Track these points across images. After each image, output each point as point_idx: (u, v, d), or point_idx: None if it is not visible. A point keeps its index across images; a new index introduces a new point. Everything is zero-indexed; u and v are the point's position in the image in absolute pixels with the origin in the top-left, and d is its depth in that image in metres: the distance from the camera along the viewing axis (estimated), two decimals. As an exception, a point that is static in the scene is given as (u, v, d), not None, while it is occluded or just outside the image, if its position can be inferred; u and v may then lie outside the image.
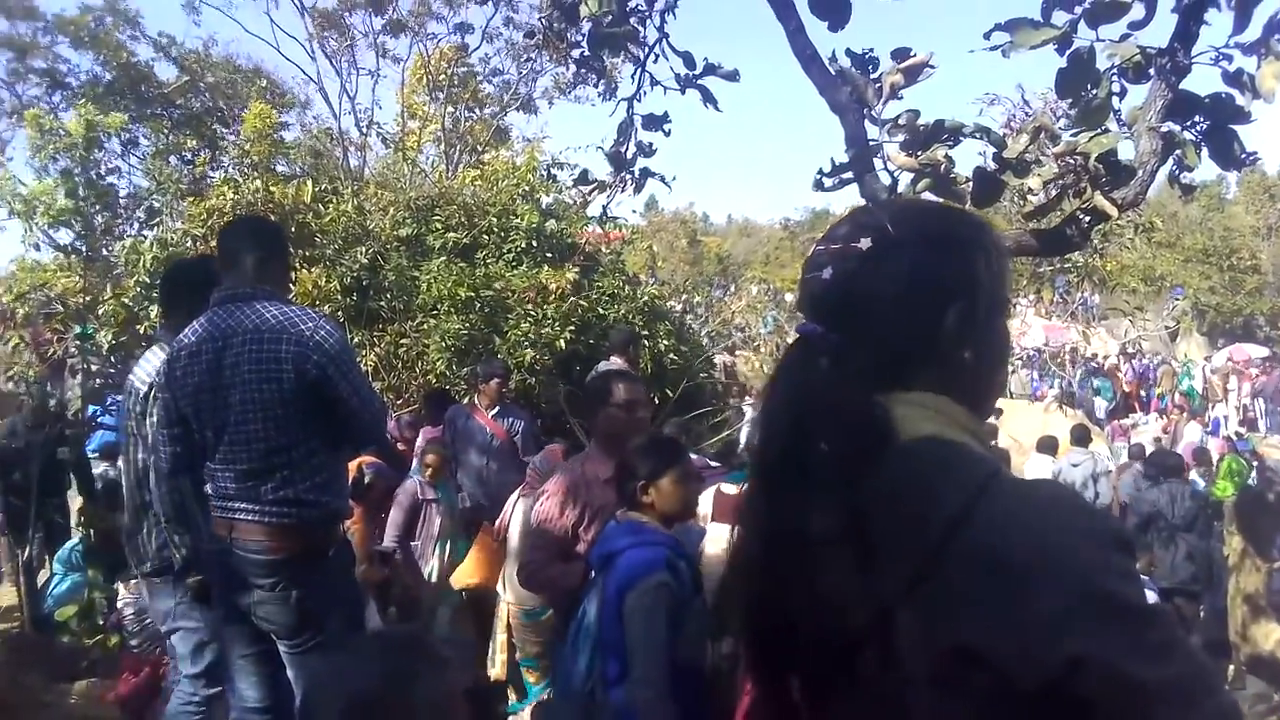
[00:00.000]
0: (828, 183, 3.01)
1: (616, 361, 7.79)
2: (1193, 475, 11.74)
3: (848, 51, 3.08)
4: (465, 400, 8.29)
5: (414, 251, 10.33)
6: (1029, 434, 15.89)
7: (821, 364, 1.15)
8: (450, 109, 17.91)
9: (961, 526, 0.97)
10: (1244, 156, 3.13)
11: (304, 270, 9.80)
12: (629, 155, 3.97)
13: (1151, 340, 27.62)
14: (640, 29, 3.76)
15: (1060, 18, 3.01)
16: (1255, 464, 11.29)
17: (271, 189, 10.55)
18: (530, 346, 9.21)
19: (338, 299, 9.80)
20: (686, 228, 42.10)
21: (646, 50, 3.69)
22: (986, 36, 3.02)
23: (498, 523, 5.27)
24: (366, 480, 5.51)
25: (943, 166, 2.72)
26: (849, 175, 3.00)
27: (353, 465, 5.19)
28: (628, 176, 3.91)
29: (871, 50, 3.07)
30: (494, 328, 9.47)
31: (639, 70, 3.71)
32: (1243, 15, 2.93)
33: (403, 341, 9.67)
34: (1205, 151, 3.15)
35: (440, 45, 17.69)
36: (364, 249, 10.18)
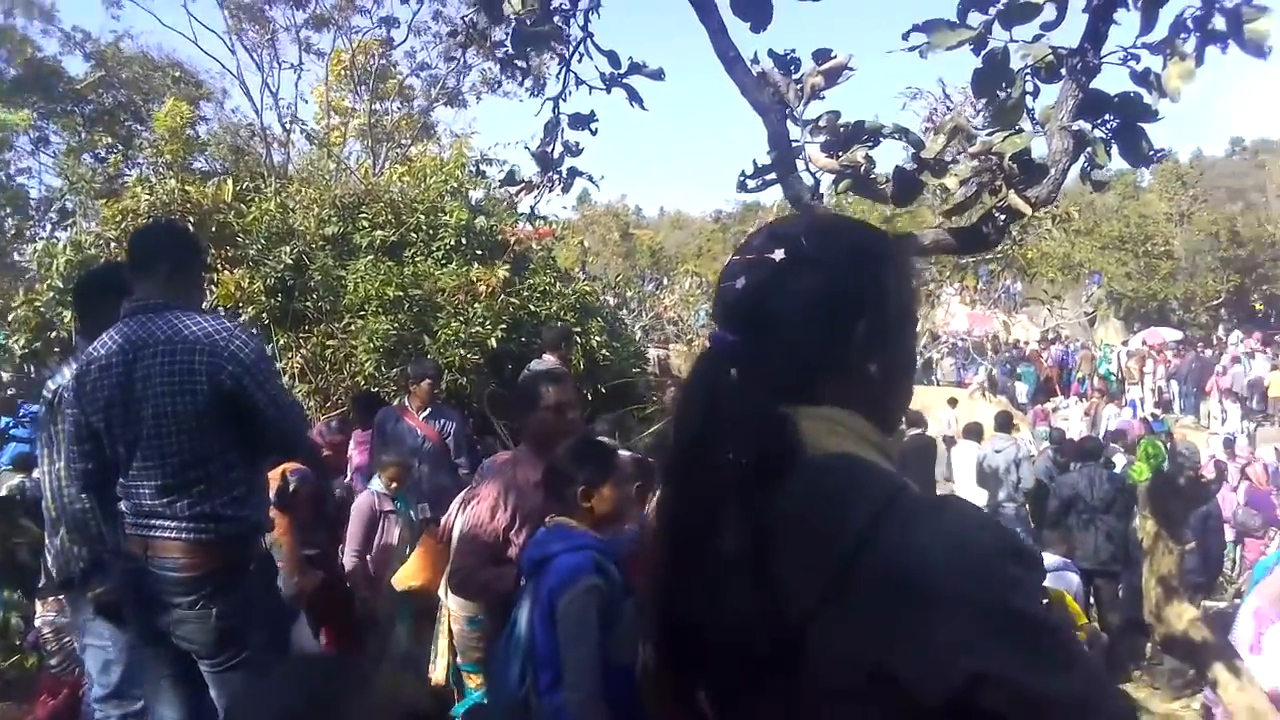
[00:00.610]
0: (751, 184, 3.02)
1: (549, 359, 7.74)
2: (1116, 457, 12.17)
3: (770, 52, 3.10)
4: (395, 402, 8.17)
5: (340, 250, 10.12)
6: (957, 419, 16.30)
7: (731, 374, 1.15)
8: (375, 104, 17.60)
9: (867, 546, 0.98)
10: (1152, 153, 3.22)
11: (226, 271, 9.54)
12: (556, 155, 3.93)
13: (1071, 326, 28.46)
14: (565, 28, 3.72)
15: (976, 19, 3.05)
16: (1168, 447, 11.69)
17: (188, 188, 10.24)
18: (461, 346, 9.09)
19: (262, 300, 9.56)
20: (619, 221, 42.01)
21: (571, 49, 3.65)
22: (905, 37, 3.05)
23: (441, 525, 5.19)
24: (292, 488, 5.37)
25: (863, 167, 2.74)
26: (772, 176, 3.01)
27: (276, 473, 5.06)
28: (555, 176, 3.87)
29: (793, 51, 3.09)
30: (423, 327, 9.33)
31: (564, 69, 3.68)
32: (1149, 17, 3.01)
33: (330, 343, 9.47)
34: (1116, 149, 3.23)
35: (364, 39, 17.36)
36: (288, 248, 9.94)
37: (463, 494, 5.01)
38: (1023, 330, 27.45)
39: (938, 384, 22.28)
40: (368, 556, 5.86)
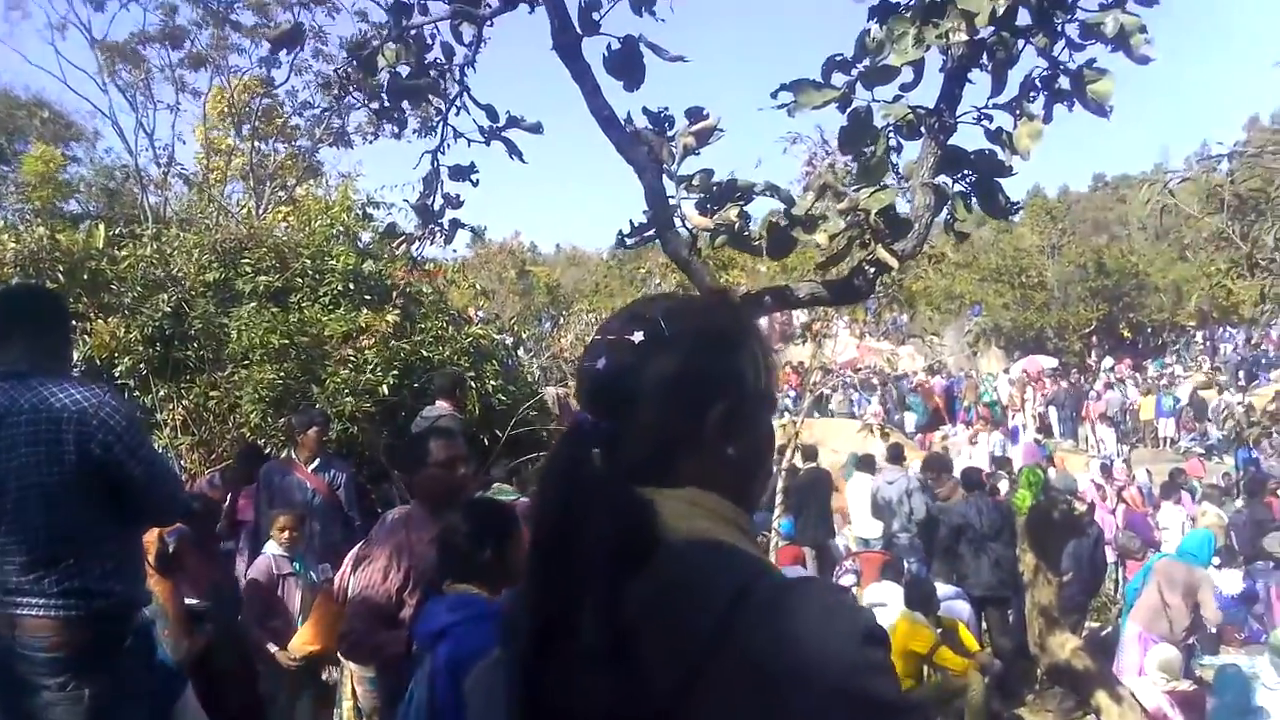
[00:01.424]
0: (630, 241, 3.09)
1: (442, 406, 7.65)
2: (1002, 484, 12.66)
3: (644, 110, 3.19)
4: (283, 453, 7.95)
5: (222, 297, 9.82)
6: (847, 450, 16.71)
7: (593, 455, 1.16)
8: (257, 143, 17.22)
9: (726, 634, 1.00)
10: (1008, 206, 3.43)
11: (100, 321, 9.17)
12: (436, 207, 3.95)
13: (955, 356, 29.57)
14: (441, 81, 3.76)
15: (840, 79, 3.21)
16: (1046, 476, 12.20)
17: (59, 236, 9.83)
18: (351, 394, 8.91)
19: (139, 350, 9.21)
20: (514, 258, 41.85)
21: (448, 103, 3.69)
22: (773, 95, 3.19)
23: (336, 583, 5.05)
24: (171, 548, 5.17)
25: (736, 225, 2.85)
26: (651, 233, 3.10)
27: (152, 537, 4.86)
28: (436, 229, 3.88)
29: (667, 109, 3.19)
30: (311, 376, 9.11)
31: (440, 122, 3.71)
32: (999, 79, 3.22)
33: (213, 393, 9.17)
34: (975, 202, 3.43)
35: (243, 78, 17.01)
36: (167, 295, 9.61)
37: (355, 551, 4.91)
38: (910, 361, 28.38)
39: (832, 416, 22.82)
40: (270, 624, 5.62)
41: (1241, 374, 25.90)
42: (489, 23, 3.34)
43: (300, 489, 6.90)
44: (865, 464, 12.39)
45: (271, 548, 5.79)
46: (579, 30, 3.06)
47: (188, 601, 5.31)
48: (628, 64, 3.12)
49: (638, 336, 1.21)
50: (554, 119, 3.73)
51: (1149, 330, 34.72)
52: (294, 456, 7.19)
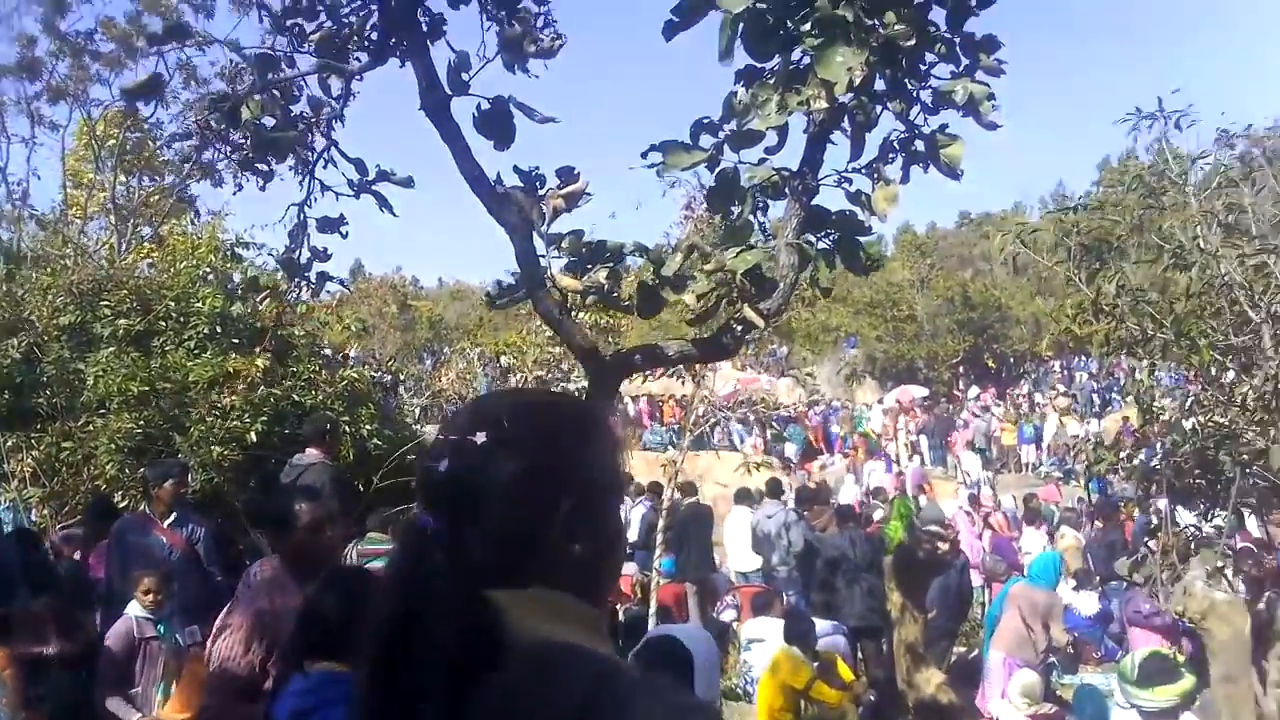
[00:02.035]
0: (500, 302, 3.06)
1: (313, 453, 7.37)
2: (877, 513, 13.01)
3: (515, 169, 3.17)
4: (141, 507, 7.53)
5: (78, 341, 9.31)
6: (733, 482, 16.92)
7: (436, 558, 1.14)
8: (123, 177, 16.46)
9: None
10: (870, 263, 3.55)
11: (-58, 368, 8.57)
12: (303, 260, 3.83)
13: (832, 387, 30.35)
14: (309, 133, 3.66)
15: (708, 140, 3.27)
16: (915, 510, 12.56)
17: (-105, 277, 9.17)
18: (217, 442, 8.53)
19: (-13, 397, 8.64)
20: (396, 293, 41.12)
21: (315, 155, 3.59)
22: (643, 156, 3.23)
23: (207, 648, 4.77)
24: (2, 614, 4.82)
25: (606, 286, 2.85)
26: (521, 293, 3.07)
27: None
28: (303, 282, 3.76)
29: (538, 168, 3.18)
30: (174, 424, 8.69)
31: (308, 176, 3.60)
32: (858, 143, 3.34)
33: (66, 444, 8.64)
34: (838, 260, 3.53)
35: (106, 111, 16.26)
36: (18, 340, 9.06)
37: (222, 616, 4.66)
38: (789, 393, 29.02)
39: (714, 449, 23.07)
40: (132, 692, 5.25)
41: (1095, 400, 27.41)
42: (358, 77, 3.27)
43: (158, 545, 6.53)
44: (743, 497, 12.51)
45: (134, 609, 5.43)
46: (448, 90, 3.02)
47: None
48: (497, 124, 3.10)
49: (480, 437, 1.19)
50: (439, 154, 3.65)
51: (1011, 360, 36.51)
52: (150, 511, 6.81)
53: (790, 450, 23.98)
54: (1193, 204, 6.13)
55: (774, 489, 12.08)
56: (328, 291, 3.75)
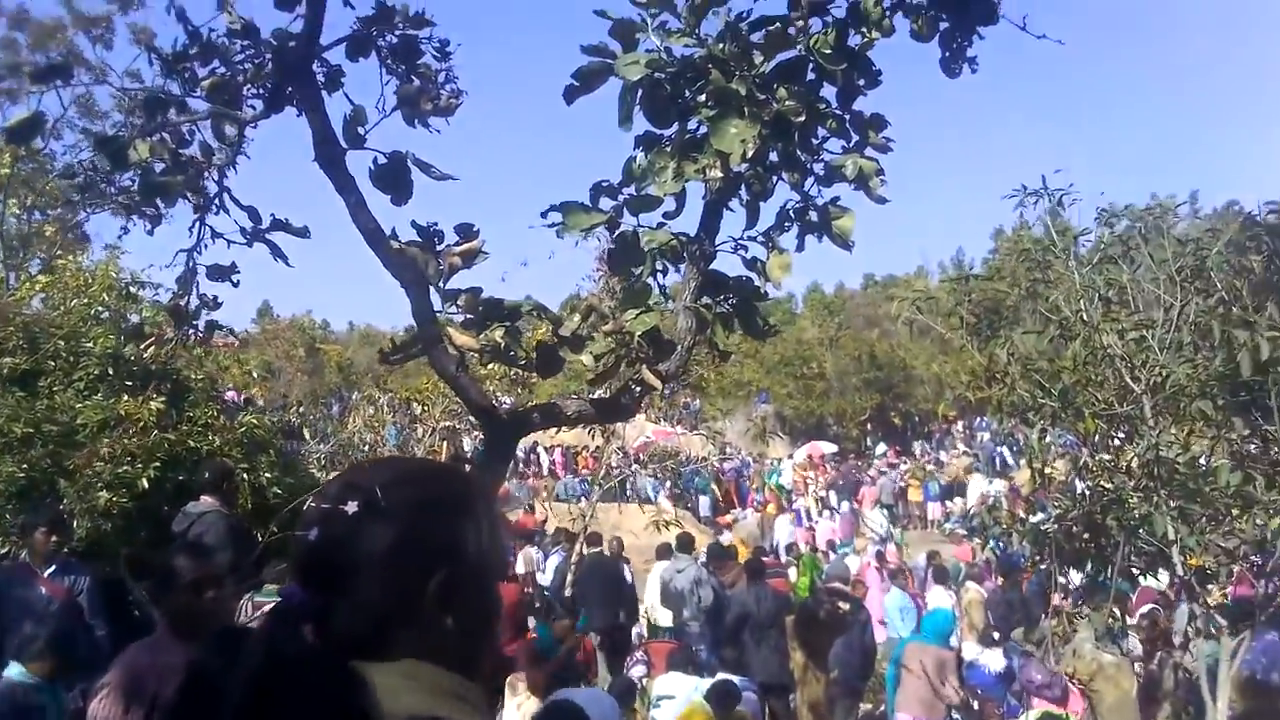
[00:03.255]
0: (393, 359, 3.01)
1: (208, 501, 7.11)
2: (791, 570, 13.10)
3: (413, 224, 3.15)
4: (21, 556, 7.12)
5: (-42, 380, 8.83)
6: (645, 535, 16.89)
7: (303, 631, 1.12)
8: (15, 209, 15.83)
9: None
10: (767, 327, 3.61)
11: None
12: (192, 306, 3.72)
13: (745, 441, 30.60)
14: (201, 179, 3.58)
15: (607, 203, 3.30)
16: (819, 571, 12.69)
17: None
18: (106, 488, 8.14)
19: None
20: (304, 336, 40.27)
21: (205, 203, 3.51)
22: (543, 216, 3.24)
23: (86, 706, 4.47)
24: None
25: (503, 344, 2.83)
26: (417, 349, 3.03)
27: None
28: (190, 331, 3.65)
29: (435, 224, 3.16)
30: (59, 468, 8.28)
31: (198, 223, 3.52)
32: (753, 212, 3.41)
33: (-59, 488, 8.15)
34: (737, 323, 3.59)
35: (-2, 140, 15.63)
36: (-105, 376, 8.55)
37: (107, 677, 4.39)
38: (702, 446, 29.16)
39: (629, 501, 23.01)
40: None
41: (997, 459, 28.19)
42: (251, 124, 3.22)
43: (37, 598, 6.18)
44: (665, 553, 12.52)
45: (14, 672, 5.03)
46: (343, 143, 2.99)
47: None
48: (394, 179, 3.09)
49: (352, 506, 1.18)
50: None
51: (916, 418, 37.43)
52: (28, 561, 6.46)
53: (704, 504, 24.09)
54: (1076, 278, 6.41)
55: (685, 544, 12.11)
56: (230, 332, 3.63)
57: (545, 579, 13.09)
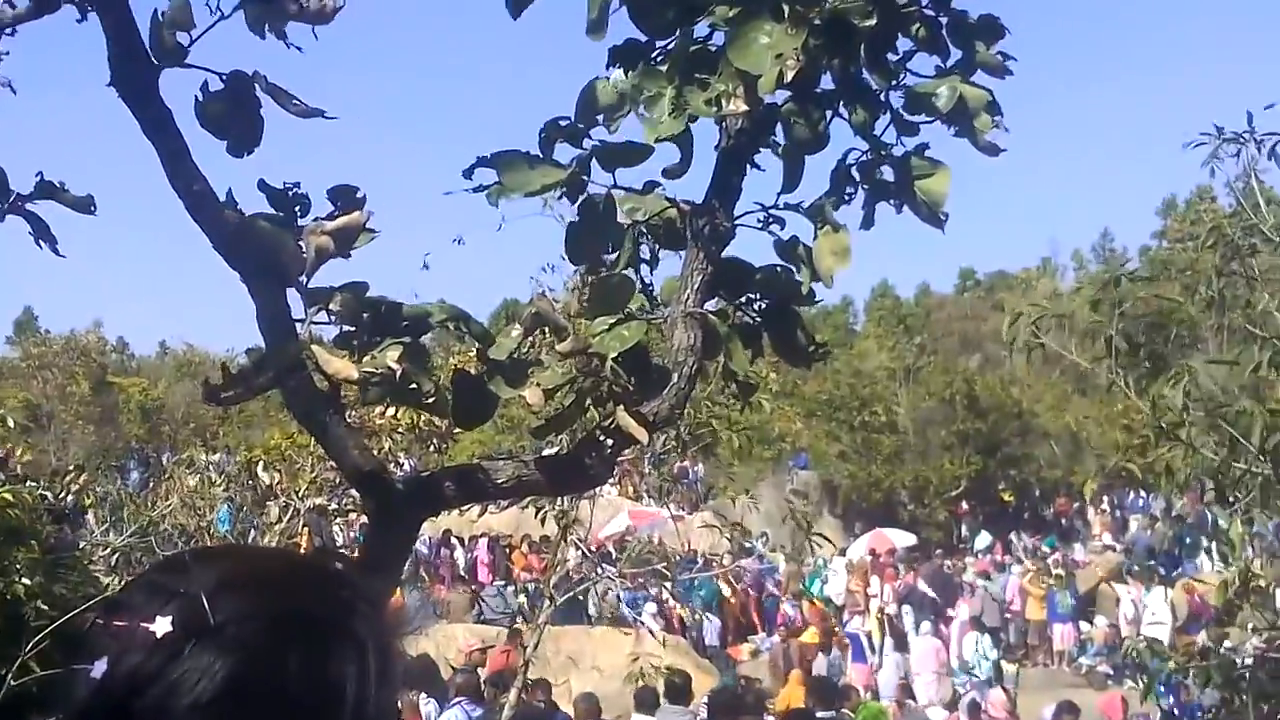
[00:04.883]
0: (225, 396, 2.98)
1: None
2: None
3: (261, 185, 3.12)
4: None
5: None
6: (621, 667, 16.80)
7: None
8: None
9: None
10: (811, 349, 3.59)
11: None
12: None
13: (773, 527, 30.57)
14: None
15: (567, 154, 3.28)
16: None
17: None
18: None
19: None
20: (89, 362, 40.09)
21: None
22: (466, 175, 3.21)
23: None
24: None
25: (399, 372, 2.80)
26: (265, 380, 3.00)
27: None
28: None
29: (298, 185, 3.13)
30: None
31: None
32: (793, 169, 3.39)
33: None
34: (767, 340, 3.56)
35: None
36: None
37: None
38: (707, 535, 29.09)
39: (591, 622, 22.88)
40: None
41: (1160, 559, 28.14)
42: (9, 31, 3.18)
43: None
44: (645, 703, 12.52)
45: None
46: (153, 58, 2.97)
47: None
48: (235, 113, 3.05)
49: (164, 624, 1.18)
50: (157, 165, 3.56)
51: (1038, 494, 37.40)
52: None
53: (710, 628, 23.99)
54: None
55: (677, 691, 12.13)
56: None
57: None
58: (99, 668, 1.18)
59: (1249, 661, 6.46)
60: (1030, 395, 37.81)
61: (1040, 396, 38.18)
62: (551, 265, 11.45)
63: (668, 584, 24.08)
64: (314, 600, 1.28)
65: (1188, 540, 28.86)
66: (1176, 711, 13.04)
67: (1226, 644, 7.27)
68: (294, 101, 3.09)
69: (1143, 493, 32.52)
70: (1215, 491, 6.63)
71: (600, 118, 3.27)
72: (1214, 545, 7.67)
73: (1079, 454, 34.09)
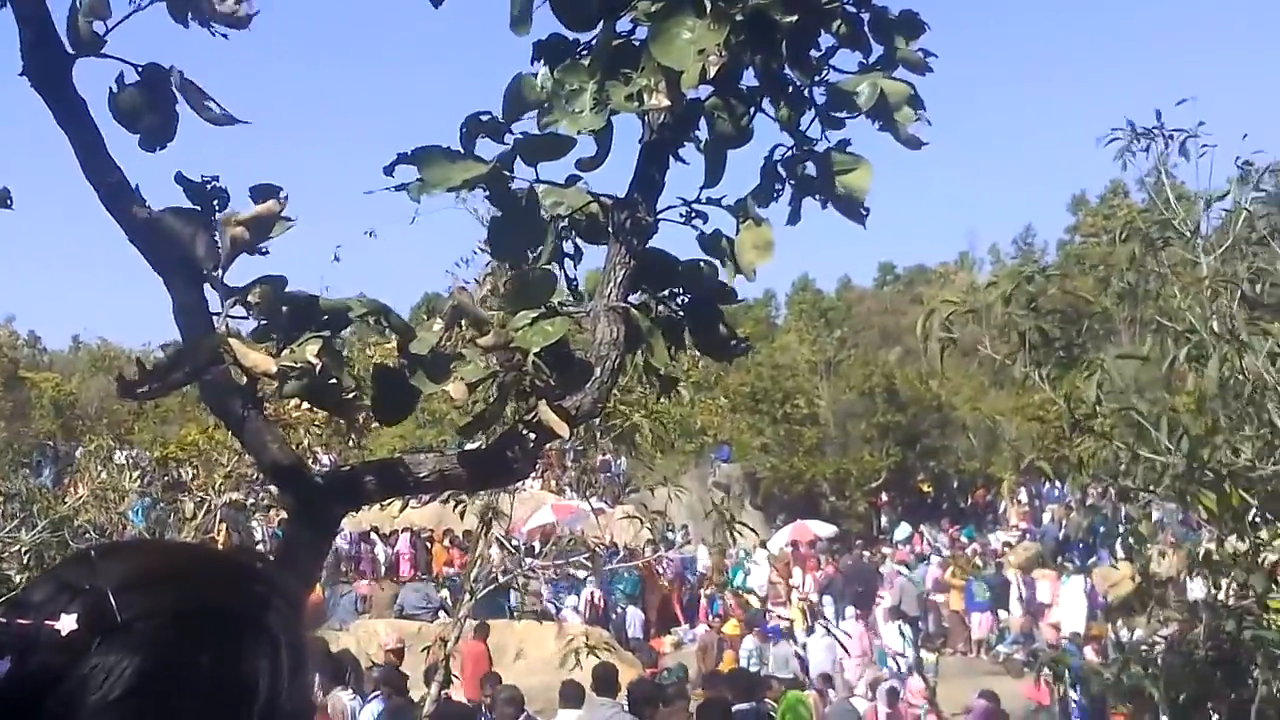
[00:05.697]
0: (142, 391, 2.93)
1: None
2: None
3: (178, 177, 3.08)
4: None
5: None
6: (544, 660, 16.80)
7: None
8: None
9: None
10: (733, 343, 3.60)
11: None
12: None
13: (694, 519, 30.63)
14: None
15: (489, 149, 3.27)
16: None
17: None
18: None
19: None
20: (0, 358, 39.63)
21: None
22: (387, 172, 3.20)
23: None
24: None
25: (318, 367, 2.77)
26: (181, 375, 2.96)
27: None
28: None
29: (216, 179, 3.09)
30: None
31: None
32: (715, 164, 3.40)
33: None
34: (688, 334, 3.58)
35: None
36: None
37: None
38: (629, 528, 29.08)
39: (515, 617, 22.86)
40: None
41: (1074, 549, 28.53)
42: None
43: None
44: (571, 696, 12.53)
45: None
46: (69, 47, 2.92)
47: None
48: (149, 107, 3.01)
49: (69, 622, 1.17)
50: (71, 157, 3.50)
51: (955, 485, 37.83)
52: None
53: (633, 618, 24.02)
54: (1205, 266, 6.48)
55: (605, 682, 12.15)
56: None
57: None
58: (2, 667, 1.17)
59: (1159, 649, 6.52)
60: (949, 388, 38.24)
61: (958, 389, 38.66)
62: (466, 259, 11.41)
63: (592, 577, 24.18)
64: (225, 595, 1.27)
65: (1101, 530, 29.28)
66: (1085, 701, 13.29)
67: (1139, 632, 7.34)
68: (208, 104, 3.05)
69: (1058, 483, 33.00)
70: (1116, 487, 6.67)
71: (528, 113, 3.26)
72: (1119, 539, 7.75)
73: (996, 446, 34.53)
